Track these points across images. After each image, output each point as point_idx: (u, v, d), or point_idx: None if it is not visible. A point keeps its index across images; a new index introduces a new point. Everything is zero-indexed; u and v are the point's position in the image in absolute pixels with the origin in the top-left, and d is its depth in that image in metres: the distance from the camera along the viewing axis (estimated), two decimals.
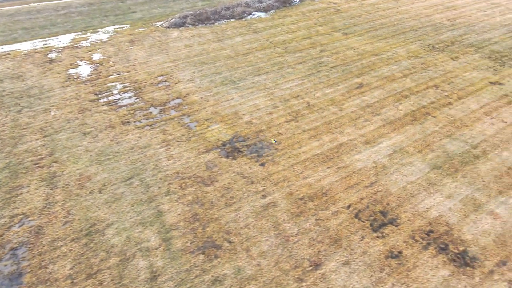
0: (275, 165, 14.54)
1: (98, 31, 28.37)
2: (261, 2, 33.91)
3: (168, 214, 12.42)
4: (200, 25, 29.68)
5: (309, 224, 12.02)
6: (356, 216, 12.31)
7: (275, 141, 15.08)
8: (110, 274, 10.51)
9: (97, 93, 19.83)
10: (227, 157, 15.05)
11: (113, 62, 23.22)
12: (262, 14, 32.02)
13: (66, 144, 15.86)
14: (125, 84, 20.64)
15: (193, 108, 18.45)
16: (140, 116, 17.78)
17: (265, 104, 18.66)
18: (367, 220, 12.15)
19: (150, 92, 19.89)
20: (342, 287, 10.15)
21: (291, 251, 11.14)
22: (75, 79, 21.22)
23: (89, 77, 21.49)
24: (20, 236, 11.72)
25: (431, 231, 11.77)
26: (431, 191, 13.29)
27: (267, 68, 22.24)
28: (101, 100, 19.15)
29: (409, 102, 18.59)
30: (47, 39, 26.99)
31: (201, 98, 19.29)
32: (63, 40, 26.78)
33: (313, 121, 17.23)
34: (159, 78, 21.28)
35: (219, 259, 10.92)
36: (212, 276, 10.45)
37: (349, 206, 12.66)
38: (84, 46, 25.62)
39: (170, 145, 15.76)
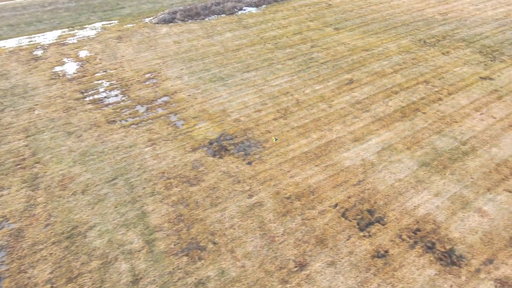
0: (262, 164, 14.33)
1: (86, 28, 27.84)
2: None
3: (152, 215, 12.18)
4: (189, 20, 29.23)
5: (295, 224, 11.85)
6: (343, 215, 12.15)
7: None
8: (91, 278, 10.28)
9: (83, 91, 19.45)
10: (214, 156, 14.81)
11: (100, 59, 22.79)
12: (253, 9, 31.61)
13: (49, 144, 15.53)
14: (111, 82, 20.26)
15: (181, 106, 18.14)
16: (126, 115, 17.45)
17: (253, 101, 18.39)
18: (354, 219, 12.00)
19: (137, 90, 19.54)
20: None
21: (277, 252, 10.97)
22: (60, 77, 20.80)
23: (75, 75, 21.07)
24: None
25: (418, 230, 11.65)
26: (419, 188, 13.16)
27: (257, 65, 21.94)
28: (87, 99, 18.78)
29: (399, 98, 18.42)
30: (32, 36, 26.45)
31: (189, 95, 18.98)
32: (49, 37, 26.25)
33: (302, 118, 17.01)
34: (147, 76, 20.92)
35: (203, 261, 10.73)
36: (195, 278, 10.26)
37: (336, 205, 12.50)
38: (70, 43, 25.13)
39: (156, 144, 15.48)
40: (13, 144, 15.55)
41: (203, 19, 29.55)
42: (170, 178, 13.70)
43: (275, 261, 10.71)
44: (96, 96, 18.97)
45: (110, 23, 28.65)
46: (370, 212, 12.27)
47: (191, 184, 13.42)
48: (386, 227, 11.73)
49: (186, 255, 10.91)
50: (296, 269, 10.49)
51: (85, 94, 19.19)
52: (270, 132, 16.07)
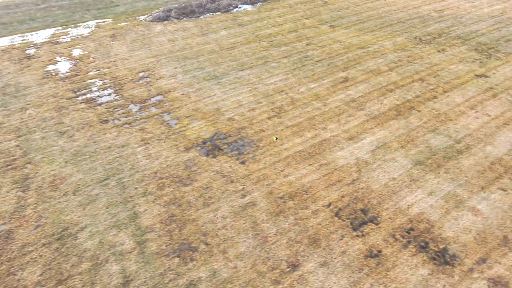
0: (256, 163, 14.23)
1: (79, 26, 27.58)
2: None
3: (144, 216, 12.07)
4: (184, 18, 29.01)
5: (288, 224, 11.76)
6: (337, 214, 12.08)
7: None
8: (81, 280, 10.17)
9: (76, 90, 19.26)
10: (207, 155, 14.69)
11: (93, 58, 22.58)
12: (248, 7, 31.41)
13: (41, 144, 15.36)
14: (105, 81, 20.07)
15: (174, 105, 18.00)
16: (119, 114, 17.29)
17: (248, 100, 18.26)
18: (348, 219, 11.92)
19: (130, 88, 19.37)
20: None
21: (269, 252, 10.89)
22: (53, 76, 20.59)
23: (68, 73, 20.86)
24: None
25: (411, 229, 11.59)
26: (413, 187, 13.09)
27: (251, 63, 21.79)
28: (79, 98, 18.59)
29: (394, 96, 18.33)
30: (25, 34, 26.17)
31: (182, 94, 18.82)
32: (43, 35, 25.98)
33: (296, 117, 16.90)
34: (140, 74, 20.73)
35: (194, 262, 10.63)
36: (187, 280, 10.16)
37: (329, 205, 12.42)
38: (64, 42, 24.89)
39: (148, 143, 15.34)
40: (4, 144, 15.38)
41: (198, 17, 29.33)
42: (162, 178, 13.58)
43: (268, 261, 10.63)
44: (89, 95, 18.79)
45: (104, 21, 28.40)
46: (364, 211, 12.20)
47: (183, 184, 13.30)
48: (379, 227, 11.67)
49: (178, 256, 10.81)
50: (288, 269, 10.42)
51: (77, 93, 19.00)
52: (264, 131, 15.96)
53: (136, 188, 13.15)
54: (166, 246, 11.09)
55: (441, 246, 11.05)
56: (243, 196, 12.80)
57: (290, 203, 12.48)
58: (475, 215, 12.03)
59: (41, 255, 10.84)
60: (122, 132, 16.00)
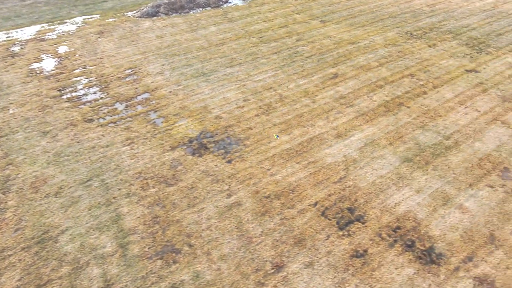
0: (242, 162, 14.01)
1: (66, 22, 27.05)
2: None
3: (127, 218, 11.83)
4: (173, 14, 28.55)
5: (274, 224, 11.58)
6: (323, 214, 11.91)
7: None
8: (60, 285, 9.94)
9: (60, 88, 18.86)
10: (193, 154, 14.44)
11: (79, 55, 22.14)
12: (239, 2, 30.98)
13: (23, 144, 15.02)
14: (90, 79, 19.68)
15: (161, 103, 17.68)
16: (104, 113, 16.96)
17: (236, 97, 17.99)
18: (334, 218, 11.77)
19: (116, 86, 19.01)
20: None
21: (254, 253, 10.71)
22: (37, 74, 20.16)
23: (52, 71, 20.43)
24: None
25: (398, 228, 11.46)
26: (400, 185, 12.95)
27: (240, 59, 21.48)
28: (64, 97, 18.21)
29: (384, 92, 18.15)
30: (10, 31, 25.61)
31: (169, 92, 18.51)
32: (28, 32, 25.45)
33: (285, 114, 16.67)
34: (127, 72, 20.36)
35: (177, 265, 10.43)
36: (169, 283, 9.97)
37: (316, 204, 12.25)
38: (49, 39, 24.38)
39: (134, 143, 15.05)
40: None
41: (188, 12, 28.89)
42: (147, 178, 13.32)
43: (252, 263, 10.46)
44: (73, 94, 18.41)
45: (91, 17, 27.87)
46: (350, 210, 12.05)
47: (168, 184, 13.06)
48: (366, 226, 11.53)
49: (161, 258, 10.60)
50: (273, 271, 10.25)
51: (62, 91, 18.61)
52: (251, 129, 15.72)
53: (119, 189, 12.89)
54: (149, 248, 10.88)
55: (427, 245, 10.93)
56: (229, 196, 12.59)
57: (276, 203, 12.30)
58: (462, 212, 11.93)
59: (20, 260, 10.59)
60: (107, 132, 15.69)
